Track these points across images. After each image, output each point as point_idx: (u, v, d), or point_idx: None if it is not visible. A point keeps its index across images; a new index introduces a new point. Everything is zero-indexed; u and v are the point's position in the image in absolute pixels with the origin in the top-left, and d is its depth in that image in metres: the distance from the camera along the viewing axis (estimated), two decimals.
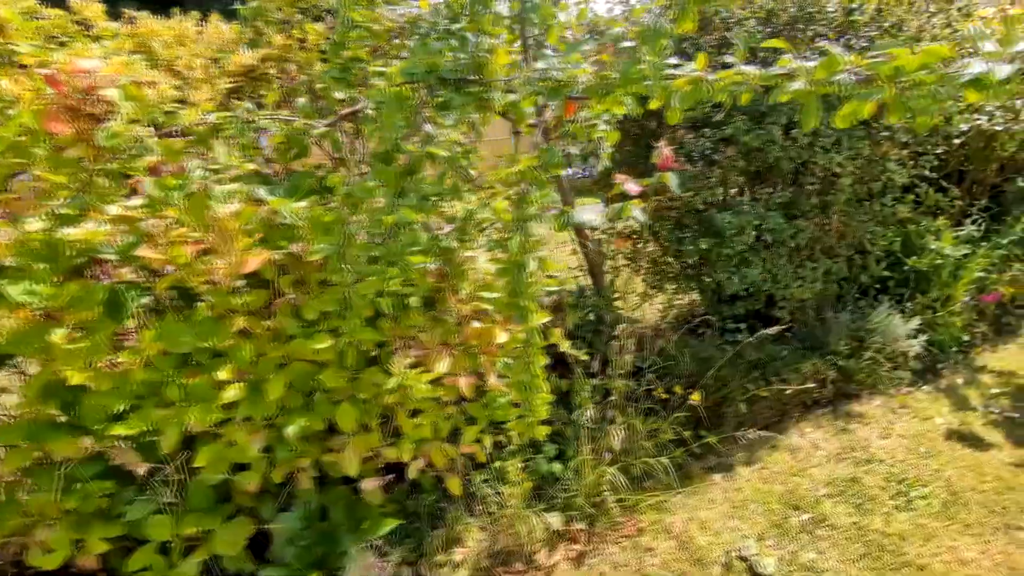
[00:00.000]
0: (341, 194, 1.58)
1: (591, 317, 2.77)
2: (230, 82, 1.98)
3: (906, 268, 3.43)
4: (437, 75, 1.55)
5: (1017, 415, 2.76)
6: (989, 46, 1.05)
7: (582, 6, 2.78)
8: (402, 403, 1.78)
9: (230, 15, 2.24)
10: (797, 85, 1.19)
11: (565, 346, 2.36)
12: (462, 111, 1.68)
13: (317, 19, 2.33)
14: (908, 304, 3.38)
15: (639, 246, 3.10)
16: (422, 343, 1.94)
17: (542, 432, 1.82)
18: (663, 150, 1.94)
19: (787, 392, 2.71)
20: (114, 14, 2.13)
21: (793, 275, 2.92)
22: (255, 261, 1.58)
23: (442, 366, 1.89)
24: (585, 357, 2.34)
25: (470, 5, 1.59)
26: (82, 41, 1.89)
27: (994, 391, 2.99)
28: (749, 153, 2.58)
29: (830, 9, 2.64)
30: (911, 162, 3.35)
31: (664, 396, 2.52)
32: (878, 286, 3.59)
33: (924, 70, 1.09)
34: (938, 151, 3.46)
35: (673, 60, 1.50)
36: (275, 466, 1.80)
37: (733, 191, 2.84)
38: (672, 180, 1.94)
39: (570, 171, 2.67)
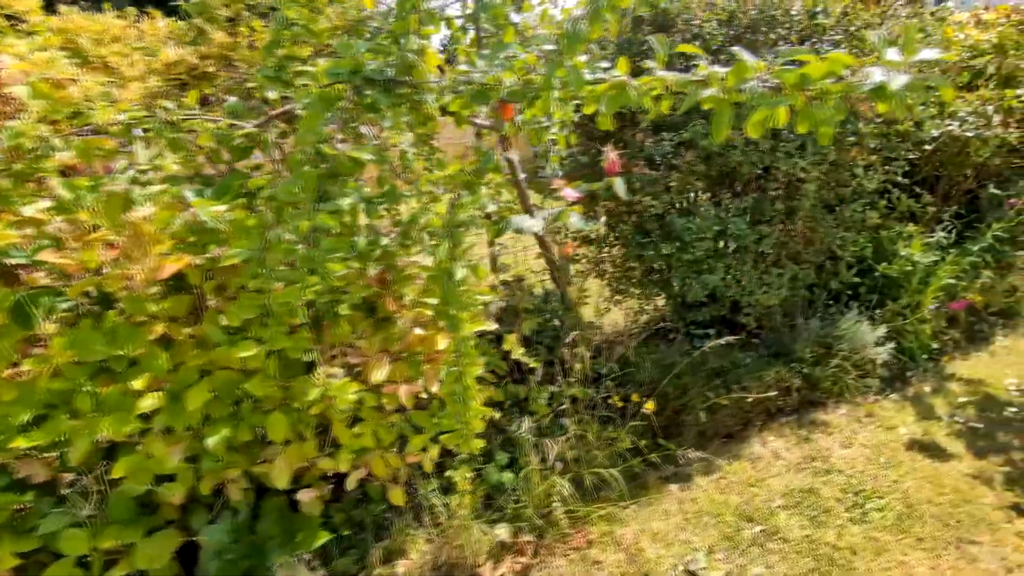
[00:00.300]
0: (263, 197, 1.53)
1: (552, 323, 2.73)
2: (167, 80, 1.92)
3: (877, 274, 3.40)
4: (363, 76, 1.50)
5: (981, 425, 2.72)
6: (892, 54, 1.01)
7: (545, 7, 2.74)
8: (333, 413, 1.73)
9: (173, 12, 2.19)
10: (709, 92, 1.15)
11: (518, 353, 2.31)
12: (395, 113, 1.63)
13: (266, 16, 2.28)
14: (878, 311, 3.35)
15: (604, 250, 3.05)
16: (360, 350, 1.89)
17: (477, 445, 1.77)
18: (609, 155, 1.89)
19: (749, 400, 2.67)
20: (52, 9, 2.08)
21: (758, 281, 2.88)
22: (172, 266, 1.53)
23: (380, 374, 1.84)
24: (536, 364, 2.29)
25: (399, 5, 1.54)
26: (11, 36, 1.83)
27: (961, 400, 2.95)
28: (709, 157, 2.54)
29: (794, 12, 2.60)
30: (883, 167, 3.32)
31: (620, 404, 2.47)
32: (849, 292, 3.55)
33: (830, 78, 1.05)
34: (910, 157, 3.44)
35: (605, 64, 1.46)
36: (202, 477, 1.74)
37: (695, 196, 2.80)
38: (619, 185, 1.89)
39: (546, 172, 2.62)
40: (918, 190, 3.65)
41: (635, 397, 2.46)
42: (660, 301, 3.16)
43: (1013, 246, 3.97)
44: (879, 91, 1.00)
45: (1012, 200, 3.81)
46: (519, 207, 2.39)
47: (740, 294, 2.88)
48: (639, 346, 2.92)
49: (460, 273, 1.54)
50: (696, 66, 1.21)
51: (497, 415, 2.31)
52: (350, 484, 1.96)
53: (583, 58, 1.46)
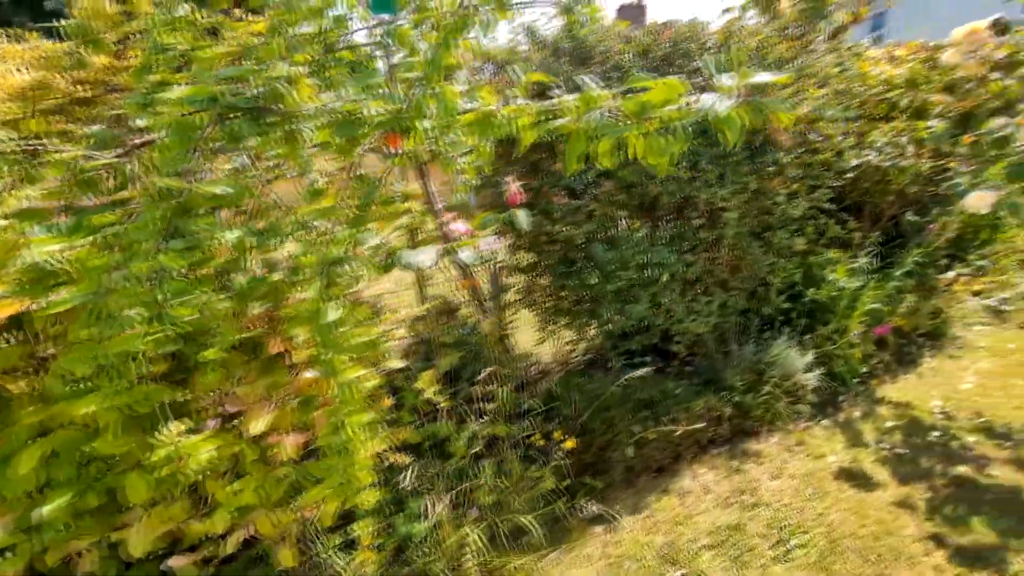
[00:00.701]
0: (108, 235, 1.38)
1: (477, 356, 2.62)
2: (33, 106, 1.77)
3: (807, 299, 3.44)
4: (226, 104, 1.40)
5: (906, 451, 2.73)
6: (725, 80, 0.97)
7: (471, 37, 2.71)
8: (188, 473, 1.55)
9: (52, 33, 2.04)
10: (561, 121, 1.09)
11: (431, 392, 2.18)
12: (264, 143, 1.53)
13: None
14: (808, 336, 3.38)
15: (535, 279, 2.98)
16: (240, 398, 1.73)
17: (368, 499, 1.62)
18: (511, 186, 1.83)
19: (678, 433, 2.60)
20: None
21: (687, 309, 2.86)
22: (3, 311, 1.36)
23: (259, 424, 1.69)
24: (447, 403, 2.16)
25: (268, 30, 1.46)
26: None
27: (889, 425, 2.97)
28: (629, 187, 2.52)
29: (708, 45, 2.65)
30: (808, 195, 3.39)
31: (542, 443, 2.36)
32: (783, 317, 3.59)
33: (670, 106, 1.01)
34: (835, 184, 3.53)
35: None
36: (47, 548, 1.53)
37: (619, 225, 2.77)
38: (522, 218, 1.82)
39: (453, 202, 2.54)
40: (844, 216, 3.75)
41: (557, 435, 2.36)
42: (593, 331, 3.10)
43: (935, 269, 4.12)
44: (714, 117, 0.96)
45: (931, 225, 3.97)
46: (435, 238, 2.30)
47: (669, 323, 2.85)
48: (569, 378, 2.84)
49: (333, 314, 1.42)
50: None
51: (407, 460, 2.17)
52: (229, 547, 1.77)
53: (461, 87, 1.40)
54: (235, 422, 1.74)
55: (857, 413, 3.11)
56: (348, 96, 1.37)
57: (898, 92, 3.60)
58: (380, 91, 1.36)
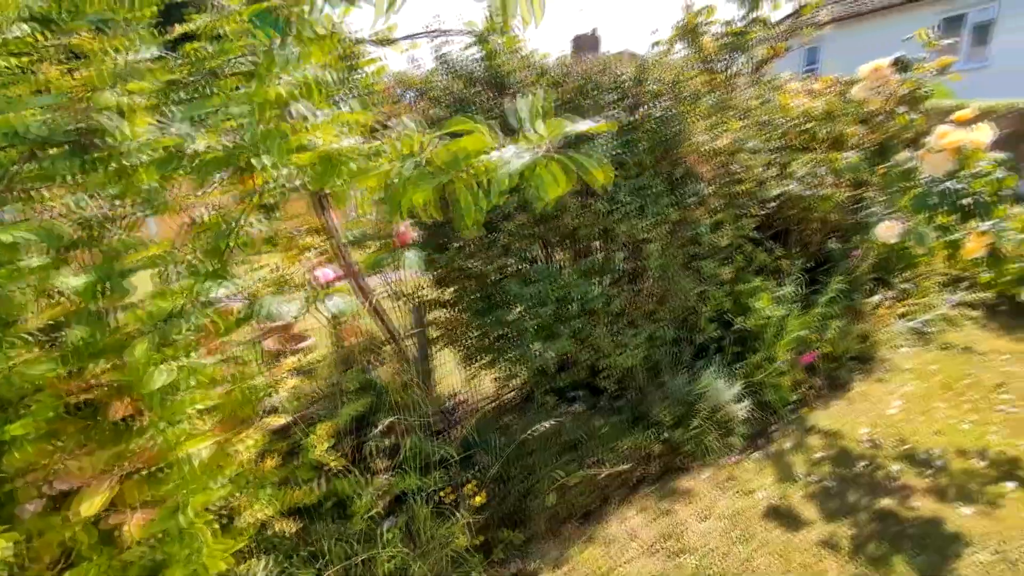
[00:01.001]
0: None
1: (389, 401, 2.43)
2: None
3: (737, 328, 3.44)
4: (32, 137, 1.21)
5: (834, 484, 2.69)
6: (540, 128, 0.87)
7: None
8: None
9: None
10: (386, 167, 0.97)
11: (320, 450, 1.98)
12: (89, 181, 1.33)
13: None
14: (739, 364, 3.36)
15: (456, 316, 2.83)
16: (71, 473, 1.49)
17: None
18: (398, 226, 1.69)
19: (601, 476, 2.48)
20: None
21: (612, 343, 2.77)
22: None
23: (92, 504, 1.44)
24: (337, 464, 1.96)
25: (93, 57, 1.28)
26: None
27: (817, 456, 2.94)
28: (544, 220, 2.44)
29: (623, 78, 2.63)
30: (734, 223, 3.42)
31: (452, 497, 2.18)
32: (715, 345, 3.57)
33: (483, 155, 0.90)
34: (762, 213, 3.59)
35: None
36: None
37: (537, 258, 2.68)
38: (411, 259, 1.68)
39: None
40: (772, 244, 3.81)
41: (470, 487, 2.18)
42: (519, 368, 2.96)
43: (861, 294, 4.23)
44: (511, 173, 0.85)
45: (854, 252, 4.09)
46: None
47: (595, 357, 2.75)
48: (491, 420, 2.68)
49: (162, 378, 1.23)
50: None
51: (293, 527, 1.94)
52: None
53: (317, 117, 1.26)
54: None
55: (788, 444, 3.07)
56: (183, 129, 1.21)
57: (816, 124, 3.73)
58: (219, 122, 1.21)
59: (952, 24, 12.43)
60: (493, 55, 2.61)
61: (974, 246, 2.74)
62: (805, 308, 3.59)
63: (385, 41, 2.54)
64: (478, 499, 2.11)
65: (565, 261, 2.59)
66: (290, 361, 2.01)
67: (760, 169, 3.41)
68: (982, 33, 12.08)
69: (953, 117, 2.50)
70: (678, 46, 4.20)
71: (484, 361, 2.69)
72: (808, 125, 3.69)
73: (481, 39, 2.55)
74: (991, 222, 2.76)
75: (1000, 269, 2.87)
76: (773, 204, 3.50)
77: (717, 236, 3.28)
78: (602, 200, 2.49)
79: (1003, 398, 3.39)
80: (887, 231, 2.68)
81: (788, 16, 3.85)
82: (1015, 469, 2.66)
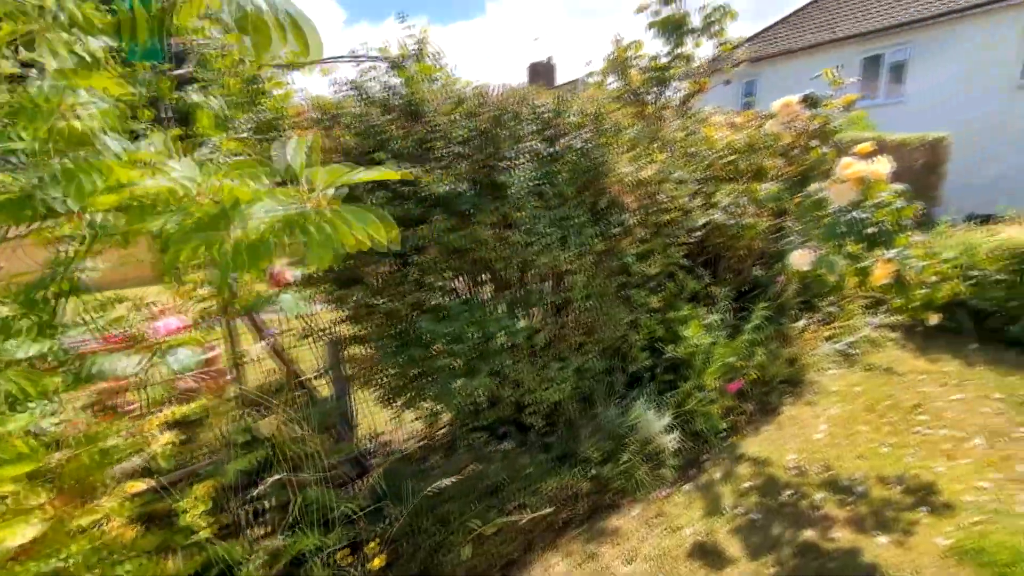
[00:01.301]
0: None
1: (285, 453, 2.23)
2: None
3: (668, 356, 3.43)
4: None
5: (760, 516, 2.67)
6: (311, 176, 0.77)
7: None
8: None
9: None
10: (160, 222, 0.83)
11: (194, 514, 1.76)
12: None
13: None
14: (672, 393, 3.34)
15: (370, 355, 2.67)
16: None
17: None
18: (272, 268, 1.55)
19: (523, 521, 2.35)
20: None
21: (537, 378, 2.68)
22: None
23: None
24: (207, 532, 1.75)
25: None
26: None
27: (746, 485, 2.92)
28: (458, 252, 2.35)
29: (542, 109, 2.62)
30: (663, 252, 3.45)
31: (351, 560, 1.99)
32: (649, 374, 3.55)
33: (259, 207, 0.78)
34: (688, 242, 3.64)
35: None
36: None
37: (453, 292, 2.58)
38: (287, 302, 1.54)
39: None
40: (702, 271, 3.87)
41: (371, 547, 2.00)
42: (440, 409, 2.82)
43: (788, 318, 4.35)
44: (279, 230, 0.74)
45: (779, 278, 4.21)
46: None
47: (519, 394, 2.64)
48: (414, 463, 2.52)
49: None
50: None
51: None
52: None
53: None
54: None
55: (718, 474, 3.05)
56: None
57: (738, 156, 3.86)
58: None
59: (872, 63, 13.53)
60: (411, 82, 2.54)
61: (881, 273, 2.85)
62: (733, 335, 3.64)
63: (292, 65, 2.42)
64: (378, 561, 1.93)
65: (486, 294, 2.50)
66: (164, 414, 1.80)
67: (686, 199, 3.47)
68: (898, 72, 13.18)
69: (855, 149, 2.61)
70: (610, 78, 4.30)
71: (403, 400, 2.54)
72: (731, 157, 3.81)
73: (396, 65, 2.48)
74: (896, 250, 2.88)
75: (908, 295, 2.99)
76: (699, 233, 3.56)
77: (647, 265, 3.30)
78: (520, 232, 2.43)
79: (920, 419, 3.51)
80: (800, 259, 2.75)
81: (714, 58, 4.00)
82: (928, 495, 2.72)
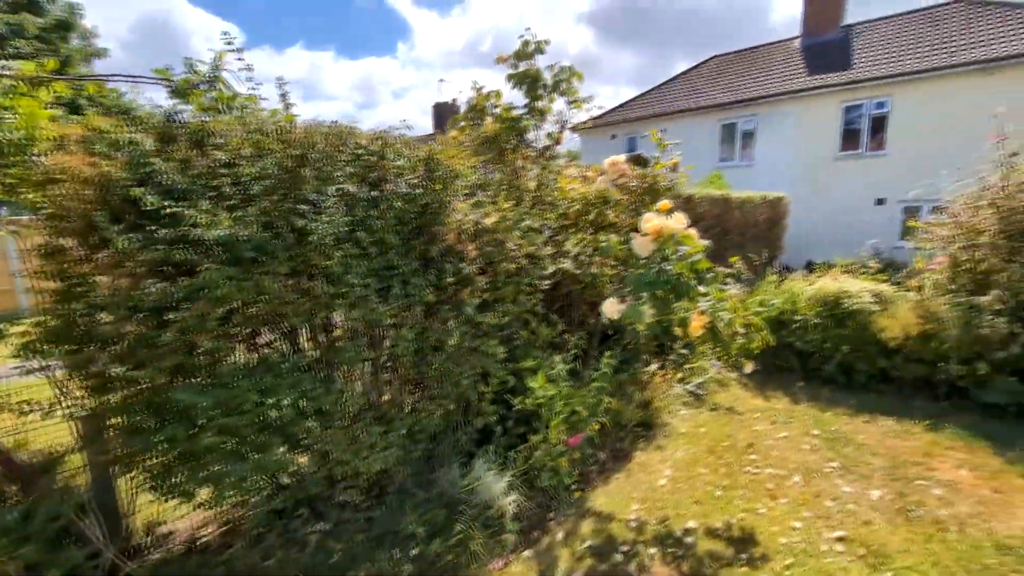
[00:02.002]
0: None
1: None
2: None
3: (516, 408, 3.31)
4: None
5: None
6: None
7: None
8: None
9: None
10: None
11: None
12: None
13: None
14: (520, 447, 3.20)
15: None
16: None
17: None
18: None
19: None
20: None
21: (352, 447, 2.38)
22: None
23: None
24: None
25: None
26: None
27: (584, 546, 2.81)
28: (238, 308, 2.03)
29: (361, 151, 2.44)
30: (514, 300, 3.37)
31: None
32: (500, 428, 3.40)
33: None
34: (542, 288, 3.63)
35: None
36: None
37: (229, 354, 2.23)
38: None
39: None
40: (556, 318, 3.88)
41: None
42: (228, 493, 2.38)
43: (641, 363, 4.49)
44: None
45: (628, 324, 4.35)
46: None
47: (328, 467, 2.31)
48: (189, 560, 2.05)
49: None
50: None
51: None
52: None
53: None
54: None
55: (560, 535, 2.91)
56: None
57: (586, 207, 4.00)
58: None
59: (728, 130, 15.57)
60: (208, 110, 2.23)
61: (696, 324, 2.99)
62: (584, 383, 3.64)
63: (36, 80, 2.01)
64: None
65: (276, 355, 2.18)
66: None
67: (535, 248, 3.48)
68: (748, 139, 15.28)
69: (657, 206, 2.76)
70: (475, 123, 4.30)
71: (170, 486, 2.08)
72: (577, 207, 3.94)
73: (180, 91, 2.17)
74: (709, 302, 3.06)
75: (725, 345, 3.17)
76: (548, 282, 3.56)
77: (496, 314, 3.19)
78: (327, 282, 2.17)
79: (751, 458, 3.72)
80: (610, 308, 2.81)
81: (562, 122, 4.15)
82: (749, 546, 2.78)
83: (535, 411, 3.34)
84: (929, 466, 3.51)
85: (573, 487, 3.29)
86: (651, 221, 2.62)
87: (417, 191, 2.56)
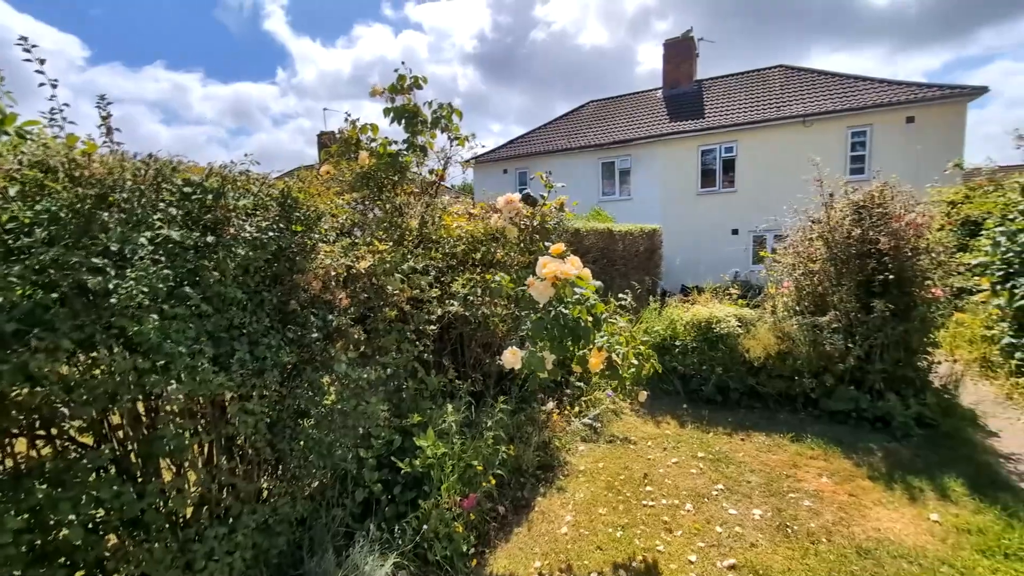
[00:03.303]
0: None
1: None
2: None
3: (405, 472, 2.96)
4: None
5: None
6: None
7: None
8: None
9: None
10: None
11: None
12: None
13: None
14: (409, 518, 2.84)
15: None
16: None
17: None
18: None
19: None
20: None
21: (179, 559, 1.86)
22: None
23: None
24: None
25: None
26: None
27: None
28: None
29: (189, 189, 2.03)
30: (398, 349, 3.06)
31: None
32: (387, 497, 3.01)
33: None
34: (428, 332, 3.36)
35: None
36: None
37: None
38: None
39: None
40: (447, 363, 3.63)
41: None
42: None
43: (537, 402, 4.38)
44: None
45: None
46: None
47: None
48: None
49: None
50: None
51: None
52: None
53: None
54: None
55: None
56: None
57: (477, 245, 3.87)
58: None
59: (608, 168, 16.88)
60: None
61: (596, 361, 2.94)
62: (479, 431, 3.41)
63: None
64: None
65: (74, 451, 1.65)
66: None
67: (419, 291, 3.22)
68: (626, 176, 16.68)
69: (551, 249, 2.71)
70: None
71: None
72: (464, 247, 3.79)
73: None
74: (605, 337, 3.05)
75: (620, 377, 3.17)
76: (435, 327, 3.32)
77: (377, 368, 2.85)
78: (127, 353, 1.71)
79: (647, 491, 3.74)
80: (510, 358, 2.67)
81: (447, 157, 4.03)
82: None
83: (426, 472, 3.02)
84: (797, 477, 3.81)
85: (471, 552, 2.99)
86: (547, 266, 2.53)
87: (268, 235, 2.19)
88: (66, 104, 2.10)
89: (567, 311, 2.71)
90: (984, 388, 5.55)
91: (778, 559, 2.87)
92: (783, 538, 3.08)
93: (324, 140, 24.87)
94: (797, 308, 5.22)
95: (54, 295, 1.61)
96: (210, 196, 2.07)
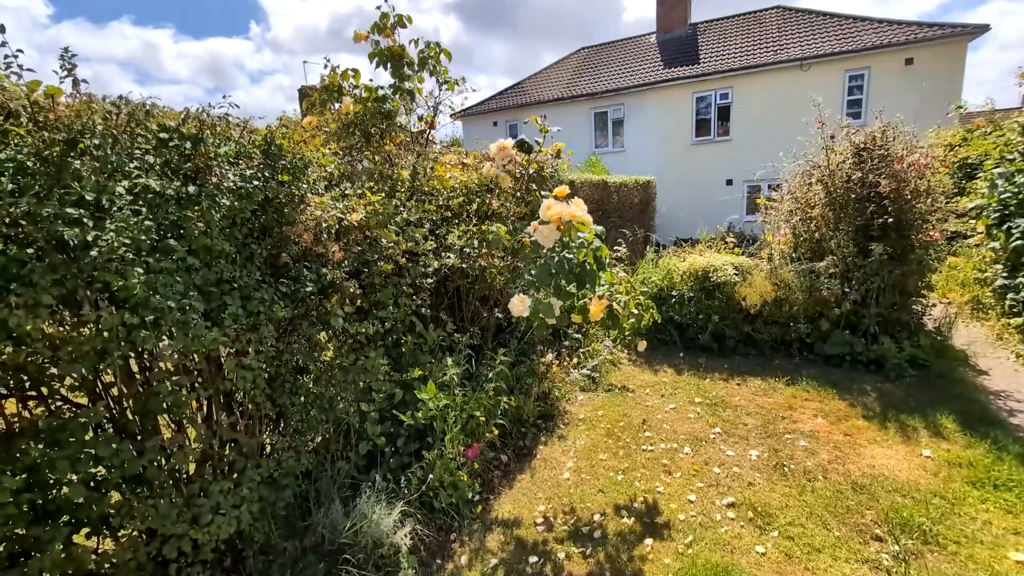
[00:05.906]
0: None
1: None
2: None
3: (407, 425, 2.97)
4: None
5: None
6: None
7: None
8: None
9: None
10: None
11: None
12: None
13: None
14: (414, 468, 2.87)
15: None
16: None
17: None
18: None
19: None
20: None
21: (186, 515, 1.86)
22: None
23: None
24: None
25: None
26: None
27: (493, 563, 2.60)
28: None
29: (166, 135, 1.87)
30: (395, 303, 2.99)
31: None
32: (391, 449, 3.03)
33: None
34: (426, 287, 3.29)
35: None
36: None
37: None
38: None
39: None
40: (445, 318, 3.58)
41: None
42: None
43: (536, 354, 4.38)
44: None
45: None
46: None
47: (154, 544, 1.78)
48: None
49: None
50: None
51: None
52: None
53: None
54: None
55: (465, 557, 2.65)
56: None
57: (472, 196, 3.73)
58: None
59: (601, 118, 16.37)
60: None
61: (596, 309, 2.91)
62: (480, 383, 3.41)
63: None
64: None
65: (67, 411, 1.60)
66: None
67: (414, 244, 3.12)
68: (619, 127, 16.22)
69: (555, 191, 2.60)
70: (336, 105, 3.76)
71: None
72: (461, 198, 3.66)
73: None
74: (605, 286, 3.01)
75: (620, 326, 3.14)
76: (431, 280, 3.24)
77: (374, 322, 2.79)
78: (113, 309, 1.62)
79: (646, 436, 3.81)
80: (518, 306, 2.61)
81: (437, 103, 3.81)
82: (653, 518, 2.81)
83: (429, 424, 3.03)
84: (793, 419, 3.89)
85: (476, 499, 3.05)
86: (552, 208, 2.43)
87: (253, 184, 2.06)
88: (19, 50, 1.91)
89: (571, 256, 2.64)
90: (975, 329, 5.65)
91: (775, 496, 2.96)
92: (780, 477, 3.16)
93: (306, 92, 23.86)
94: (794, 255, 5.19)
95: (29, 250, 1.50)
96: (188, 143, 1.92)
